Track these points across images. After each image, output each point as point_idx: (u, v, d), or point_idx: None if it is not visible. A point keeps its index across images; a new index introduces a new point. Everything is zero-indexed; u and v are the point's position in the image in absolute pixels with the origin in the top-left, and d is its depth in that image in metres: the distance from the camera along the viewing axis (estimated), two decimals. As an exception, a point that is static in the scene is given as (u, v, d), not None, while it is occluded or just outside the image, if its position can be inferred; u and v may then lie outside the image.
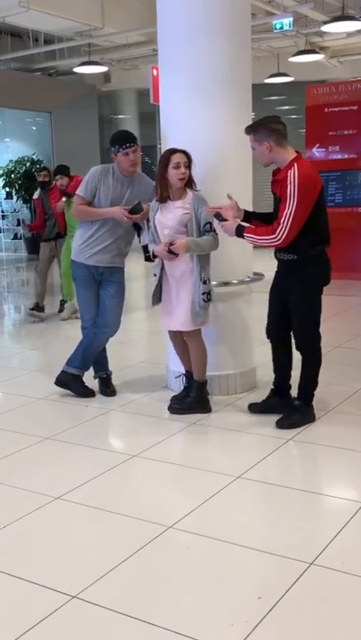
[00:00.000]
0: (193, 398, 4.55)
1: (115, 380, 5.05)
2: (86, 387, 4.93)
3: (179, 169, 4.31)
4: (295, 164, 3.92)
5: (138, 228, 4.78)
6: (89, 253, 4.70)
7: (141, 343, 6.90)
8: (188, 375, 4.70)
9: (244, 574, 2.69)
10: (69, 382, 4.94)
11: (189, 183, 4.41)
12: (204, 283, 4.35)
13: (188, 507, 3.19)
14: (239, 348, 4.88)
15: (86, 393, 4.90)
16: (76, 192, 4.75)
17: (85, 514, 3.22)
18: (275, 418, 4.21)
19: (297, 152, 4.04)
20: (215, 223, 4.26)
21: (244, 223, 4.19)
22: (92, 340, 4.88)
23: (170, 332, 4.65)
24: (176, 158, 4.32)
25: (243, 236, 4.09)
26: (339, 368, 5.26)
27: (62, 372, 4.97)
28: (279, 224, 3.89)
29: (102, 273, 4.75)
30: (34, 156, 15.84)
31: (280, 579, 2.60)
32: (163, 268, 4.46)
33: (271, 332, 4.37)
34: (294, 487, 3.43)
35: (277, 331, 4.33)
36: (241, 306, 4.88)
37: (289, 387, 4.38)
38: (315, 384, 4.25)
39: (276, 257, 4.21)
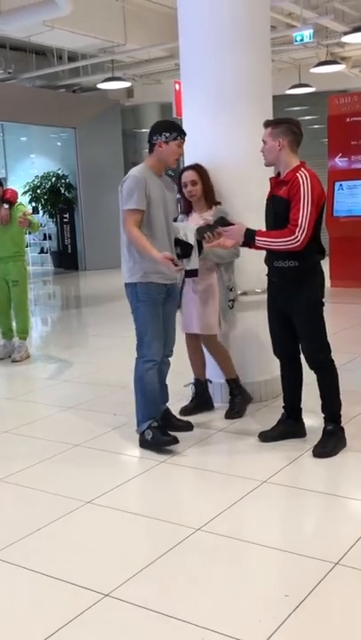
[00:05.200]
0: (240, 398, 4.71)
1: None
2: (167, 432, 4.16)
3: (186, 187, 4.53)
4: (303, 169, 3.83)
5: (188, 249, 4.23)
6: (157, 271, 4.07)
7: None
8: (197, 383, 4.80)
9: (270, 574, 2.77)
10: (149, 440, 4.14)
11: (209, 197, 4.53)
12: (230, 290, 4.48)
13: (215, 510, 3.27)
14: (263, 356, 4.93)
15: (170, 441, 4.10)
16: (128, 207, 4.01)
17: (116, 517, 3.31)
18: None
19: (301, 162, 3.93)
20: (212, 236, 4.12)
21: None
22: (153, 378, 4.20)
23: (187, 335, 4.74)
24: (183, 177, 4.56)
25: (253, 241, 3.84)
26: (357, 375, 5.29)
27: (140, 435, 4.22)
28: (296, 225, 3.70)
29: (168, 290, 4.23)
30: (59, 172, 16.11)
31: (306, 578, 2.66)
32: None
33: (279, 350, 4.19)
34: (320, 491, 3.49)
35: (286, 347, 4.14)
36: (263, 314, 4.94)
37: (301, 409, 4.23)
38: (339, 401, 4.04)
39: (272, 265, 3.99)
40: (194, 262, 4.28)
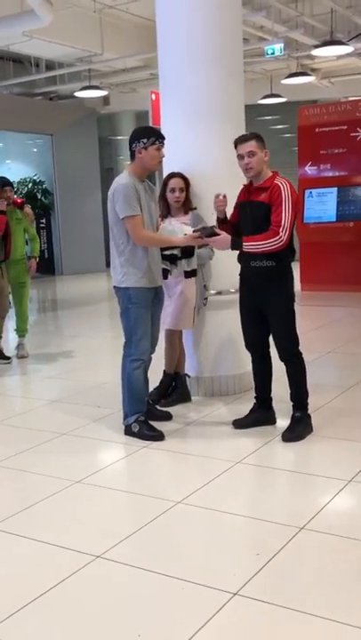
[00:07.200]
0: (184, 390, 5.10)
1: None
2: (154, 428, 4.42)
3: (174, 193, 4.85)
4: (278, 176, 4.18)
5: (190, 249, 4.71)
6: (150, 275, 4.36)
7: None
8: (176, 376, 5.15)
9: (243, 537, 3.13)
10: (135, 433, 4.40)
11: (187, 204, 4.89)
12: (206, 289, 4.86)
13: (194, 486, 3.61)
14: (236, 352, 5.27)
15: (156, 437, 4.36)
16: (128, 213, 4.20)
17: (104, 493, 3.64)
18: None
19: (274, 171, 4.26)
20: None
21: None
22: (140, 376, 4.45)
23: (170, 332, 5.03)
24: (172, 183, 4.88)
25: (240, 247, 4.15)
26: (329, 370, 5.68)
27: (125, 427, 4.49)
28: (280, 225, 4.01)
29: (157, 292, 4.51)
30: (35, 177, 16.37)
31: (275, 539, 3.01)
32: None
33: (252, 345, 4.51)
34: (288, 469, 3.87)
35: (258, 342, 4.46)
36: (236, 312, 5.29)
37: (271, 398, 4.57)
38: (307, 390, 4.38)
39: (248, 265, 4.25)
40: (194, 262, 4.72)
